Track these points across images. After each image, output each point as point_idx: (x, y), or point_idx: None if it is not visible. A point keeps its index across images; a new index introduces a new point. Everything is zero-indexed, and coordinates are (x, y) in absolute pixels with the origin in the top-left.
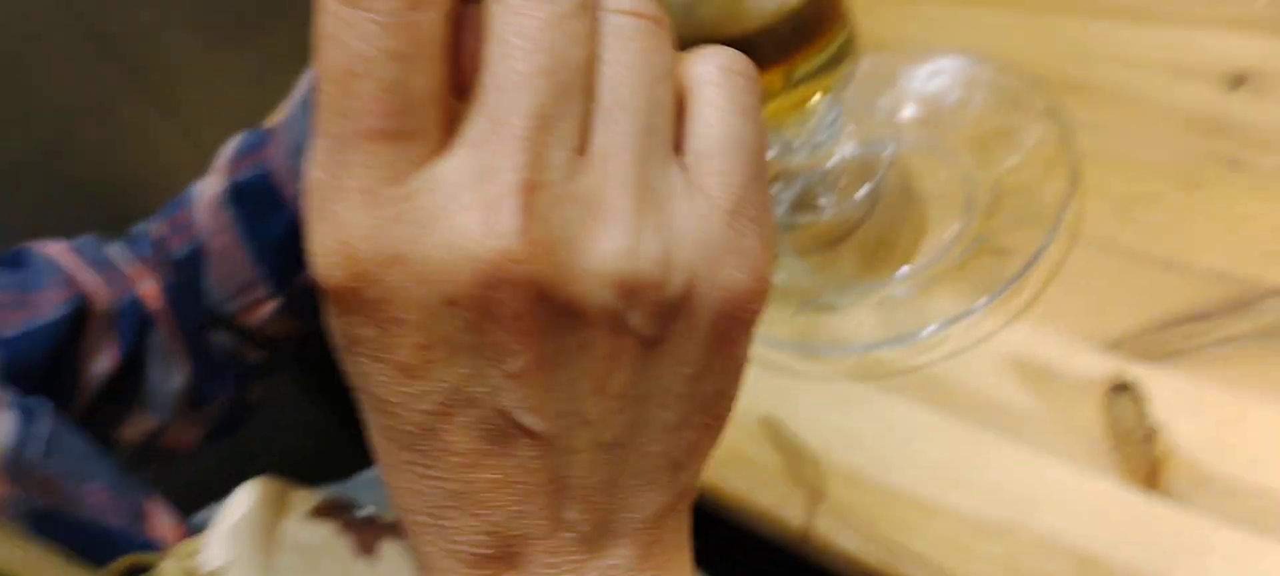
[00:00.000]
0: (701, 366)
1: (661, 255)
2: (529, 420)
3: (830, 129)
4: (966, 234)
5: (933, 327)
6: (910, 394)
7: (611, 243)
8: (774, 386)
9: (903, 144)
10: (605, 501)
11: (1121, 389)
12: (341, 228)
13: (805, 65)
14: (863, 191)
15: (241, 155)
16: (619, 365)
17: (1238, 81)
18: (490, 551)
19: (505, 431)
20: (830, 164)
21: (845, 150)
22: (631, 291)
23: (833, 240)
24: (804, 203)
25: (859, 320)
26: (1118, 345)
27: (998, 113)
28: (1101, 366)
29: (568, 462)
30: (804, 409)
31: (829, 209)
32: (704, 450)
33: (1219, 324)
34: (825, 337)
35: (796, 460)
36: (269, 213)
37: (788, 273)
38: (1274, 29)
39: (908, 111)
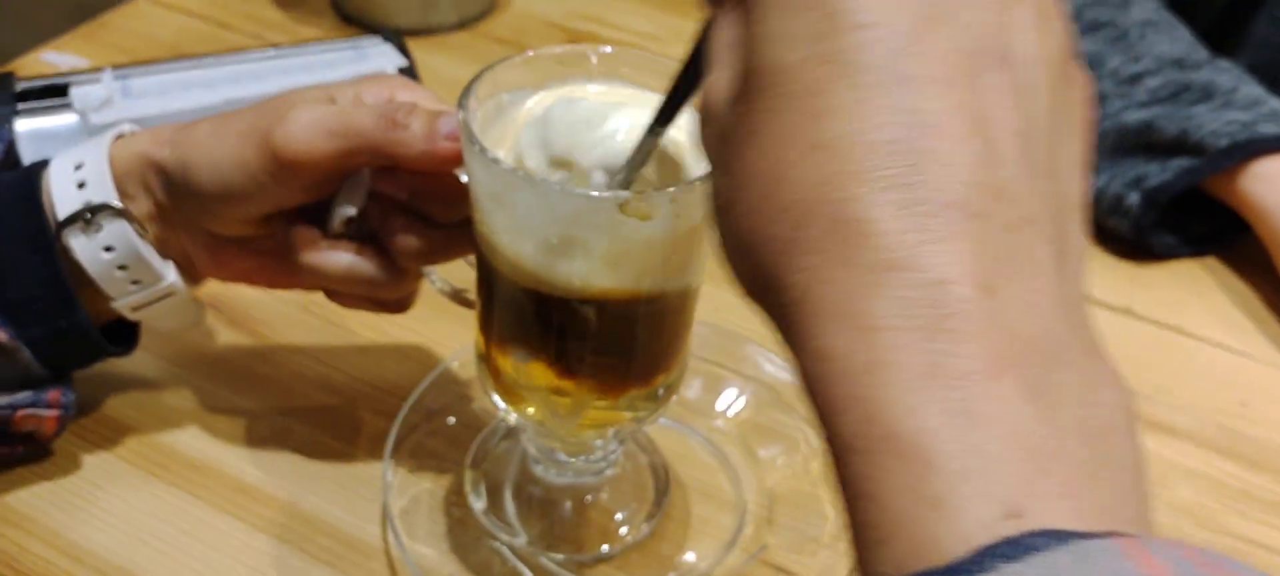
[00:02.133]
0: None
1: None
2: (1011, 46)
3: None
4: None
5: None
6: None
7: None
8: None
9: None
10: (1054, 190)
11: None
12: None
13: (640, 389)
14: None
15: None
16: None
17: None
18: (975, 203)
19: (982, 61)
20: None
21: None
22: None
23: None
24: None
25: None
26: None
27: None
28: None
29: (1022, 114)
30: None
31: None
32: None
33: None
34: None
35: None
36: None
37: None
38: None
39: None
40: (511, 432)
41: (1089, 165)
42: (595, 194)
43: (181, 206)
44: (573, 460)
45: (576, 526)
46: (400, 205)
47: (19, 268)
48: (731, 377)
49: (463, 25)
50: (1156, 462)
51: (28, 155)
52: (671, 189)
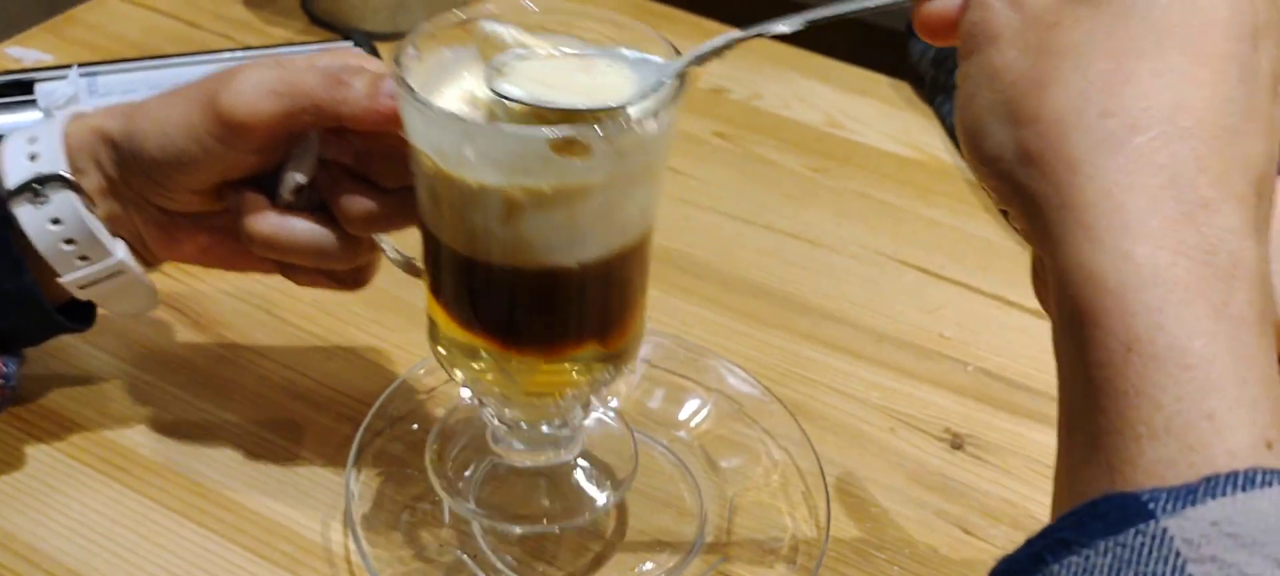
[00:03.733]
0: None
1: None
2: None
3: (575, 427)
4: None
5: None
6: None
7: None
8: None
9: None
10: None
11: None
12: None
13: (594, 349)
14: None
15: None
16: None
17: (957, 443)
18: (1259, 173)
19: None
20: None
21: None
22: None
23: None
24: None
25: None
26: None
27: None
28: None
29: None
30: None
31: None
32: None
33: None
34: None
35: None
36: None
37: None
38: (983, 396)
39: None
40: (469, 408)
41: None
42: (529, 131)
43: (131, 180)
44: (532, 429)
45: (535, 500)
46: (348, 170)
47: None
48: (694, 389)
49: None
50: None
51: None
52: (604, 123)
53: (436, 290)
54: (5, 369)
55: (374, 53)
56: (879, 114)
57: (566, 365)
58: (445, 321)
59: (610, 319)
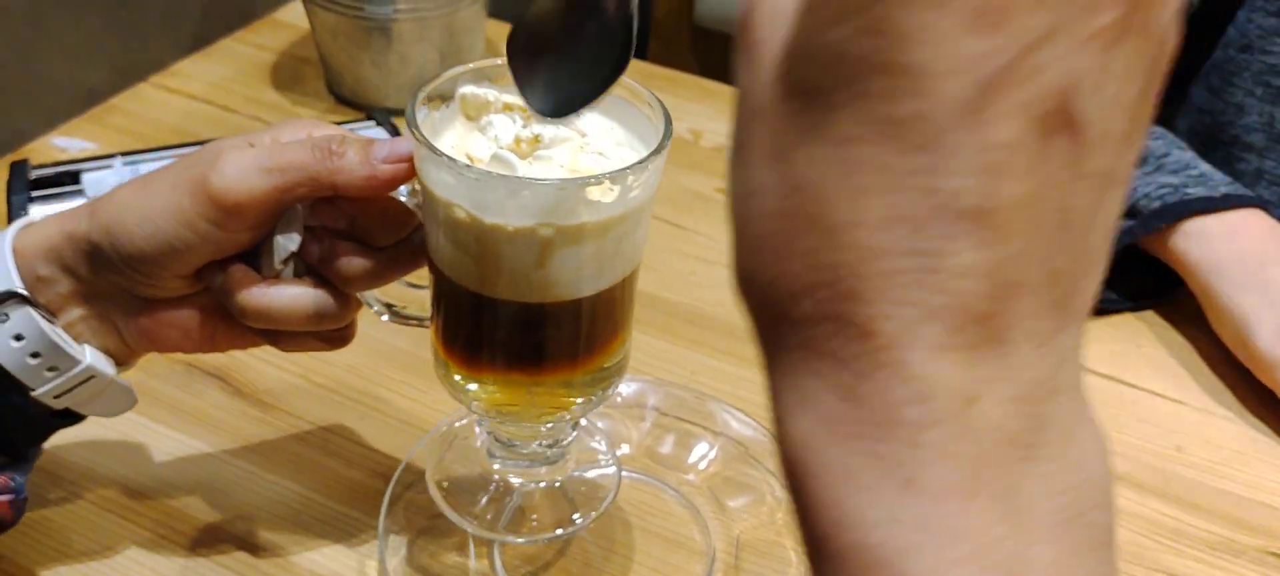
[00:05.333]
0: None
1: None
2: (1086, 105)
3: (564, 446)
4: None
5: None
6: None
7: None
8: None
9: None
10: (1079, 264)
11: None
12: None
13: (587, 371)
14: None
15: None
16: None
17: None
18: (982, 306)
19: (1051, 123)
20: (556, 482)
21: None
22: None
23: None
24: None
25: None
26: None
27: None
28: None
29: (1076, 191)
30: None
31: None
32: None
33: None
34: None
35: None
36: None
37: None
38: None
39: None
40: (463, 427)
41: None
42: (560, 179)
43: (110, 277)
44: (527, 447)
45: (528, 513)
46: (338, 233)
47: None
48: (701, 434)
49: None
50: None
51: None
52: (630, 167)
53: (448, 327)
54: (14, 482)
55: (393, 130)
56: None
57: (569, 386)
58: (457, 354)
59: (609, 338)
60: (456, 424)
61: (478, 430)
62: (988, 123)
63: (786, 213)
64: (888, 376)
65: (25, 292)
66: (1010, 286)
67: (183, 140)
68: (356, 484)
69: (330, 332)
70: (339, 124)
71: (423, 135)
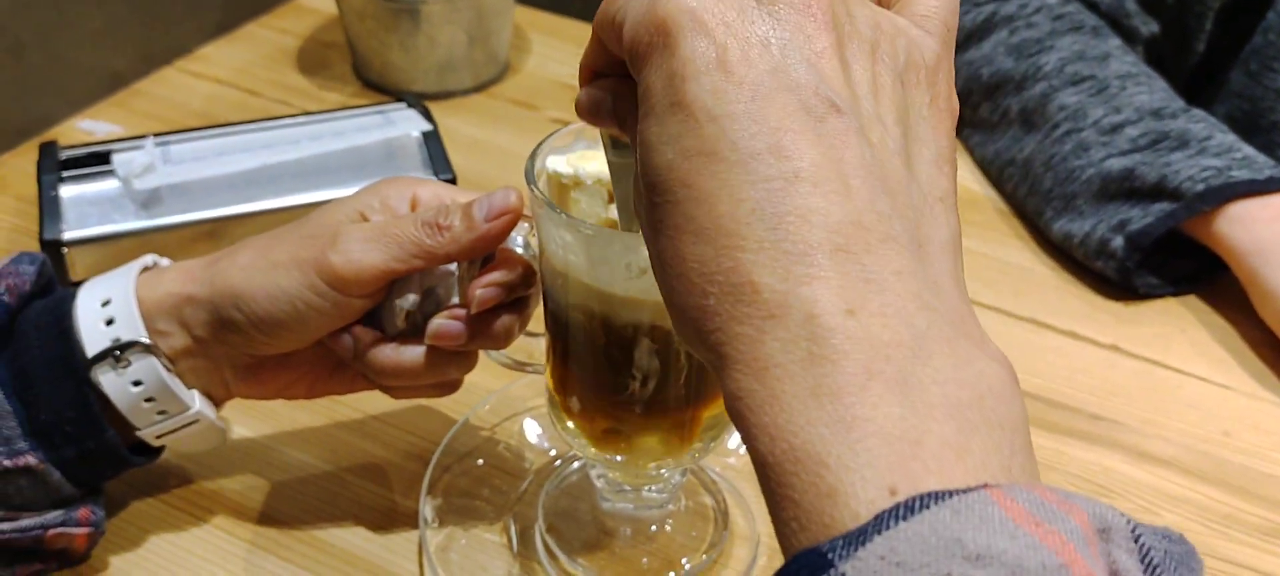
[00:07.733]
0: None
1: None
2: (840, 94)
3: (675, 487)
4: None
5: None
6: None
7: None
8: None
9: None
10: (902, 208)
11: None
12: None
13: (700, 419)
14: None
15: None
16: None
17: None
18: (835, 240)
19: (817, 109)
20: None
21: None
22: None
23: None
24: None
25: None
26: None
27: None
28: None
29: (871, 156)
30: None
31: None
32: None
33: None
34: None
35: None
36: None
37: None
38: None
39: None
40: (577, 470)
41: (952, 154)
42: None
43: (227, 337)
44: (636, 491)
45: (636, 557)
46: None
47: (51, 395)
48: None
49: (478, 88)
50: (1145, 490)
51: (71, 217)
52: None
53: (563, 372)
54: (94, 516)
55: (424, 113)
56: None
57: (684, 432)
58: (571, 399)
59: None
60: (491, 421)
61: (591, 474)
62: (771, 117)
63: (675, 238)
64: (780, 317)
65: (150, 342)
66: (852, 226)
67: (208, 123)
68: (395, 467)
69: (449, 382)
70: (367, 107)
71: (542, 193)
